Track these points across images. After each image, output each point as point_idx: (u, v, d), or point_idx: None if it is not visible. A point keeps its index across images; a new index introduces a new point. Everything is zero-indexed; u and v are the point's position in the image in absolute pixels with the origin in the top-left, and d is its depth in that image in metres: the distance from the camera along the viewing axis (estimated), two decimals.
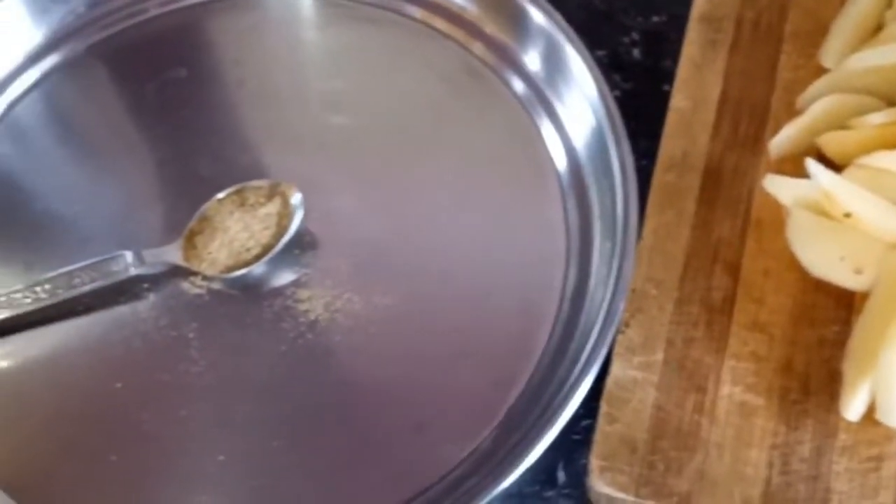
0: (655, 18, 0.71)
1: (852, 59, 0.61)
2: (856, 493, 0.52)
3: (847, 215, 0.56)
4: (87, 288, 0.60)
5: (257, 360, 0.59)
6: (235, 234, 0.62)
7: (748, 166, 0.62)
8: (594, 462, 0.54)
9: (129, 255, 0.61)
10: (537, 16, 0.66)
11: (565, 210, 0.63)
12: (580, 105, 0.64)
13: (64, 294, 0.60)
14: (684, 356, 0.56)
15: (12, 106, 0.69)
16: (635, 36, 0.70)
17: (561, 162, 0.64)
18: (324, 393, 0.58)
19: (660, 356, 0.56)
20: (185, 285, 0.62)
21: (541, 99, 0.66)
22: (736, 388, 0.55)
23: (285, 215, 0.62)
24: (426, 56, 0.69)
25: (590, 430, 0.56)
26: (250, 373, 0.59)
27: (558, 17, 0.65)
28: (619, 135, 0.61)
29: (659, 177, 0.62)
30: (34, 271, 0.61)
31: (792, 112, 0.62)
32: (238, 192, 0.63)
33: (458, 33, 0.69)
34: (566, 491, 0.57)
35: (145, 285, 0.61)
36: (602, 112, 0.62)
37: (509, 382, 0.58)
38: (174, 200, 0.65)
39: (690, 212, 0.60)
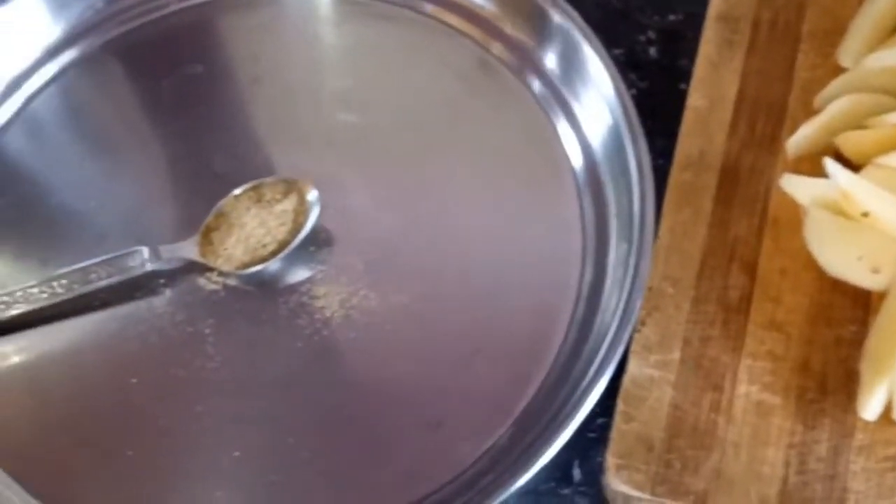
0: (672, 17, 0.71)
1: (870, 59, 0.61)
2: (873, 492, 0.52)
3: (865, 215, 0.56)
4: (103, 283, 0.60)
5: (273, 356, 0.59)
6: (252, 230, 0.62)
7: (765, 165, 0.61)
8: (610, 460, 0.54)
9: (145, 251, 0.61)
10: (556, 15, 0.66)
11: (581, 208, 0.63)
12: (597, 104, 0.64)
13: (80, 289, 0.60)
14: (701, 355, 0.56)
15: (30, 101, 0.69)
16: (651, 35, 0.70)
17: (577, 160, 0.64)
18: (339, 390, 0.59)
19: (676, 355, 0.56)
20: (201, 281, 0.62)
21: (557, 97, 0.66)
22: (753, 387, 0.55)
23: (301, 212, 0.62)
24: (442, 54, 0.69)
25: (605, 428, 0.56)
26: (266, 369, 0.59)
27: (577, 16, 0.65)
28: (635, 133, 0.61)
29: (676, 175, 0.61)
30: (50, 266, 0.61)
31: (809, 111, 0.62)
32: (254, 188, 0.63)
33: (474, 31, 0.69)
34: (582, 489, 0.57)
35: (161, 281, 0.62)
36: (619, 111, 0.62)
37: (525, 380, 0.58)
38: (190, 196, 0.65)
39: (707, 210, 0.60)
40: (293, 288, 0.61)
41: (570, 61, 0.66)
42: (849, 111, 0.60)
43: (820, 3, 0.66)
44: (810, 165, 0.59)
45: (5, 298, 0.60)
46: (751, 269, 0.58)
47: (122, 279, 0.61)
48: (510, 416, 0.57)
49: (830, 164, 0.56)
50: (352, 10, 0.71)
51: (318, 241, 0.62)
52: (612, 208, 0.62)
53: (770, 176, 0.61)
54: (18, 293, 0.60)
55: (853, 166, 0.58)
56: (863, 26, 0.64)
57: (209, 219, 0.62)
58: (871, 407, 0.53)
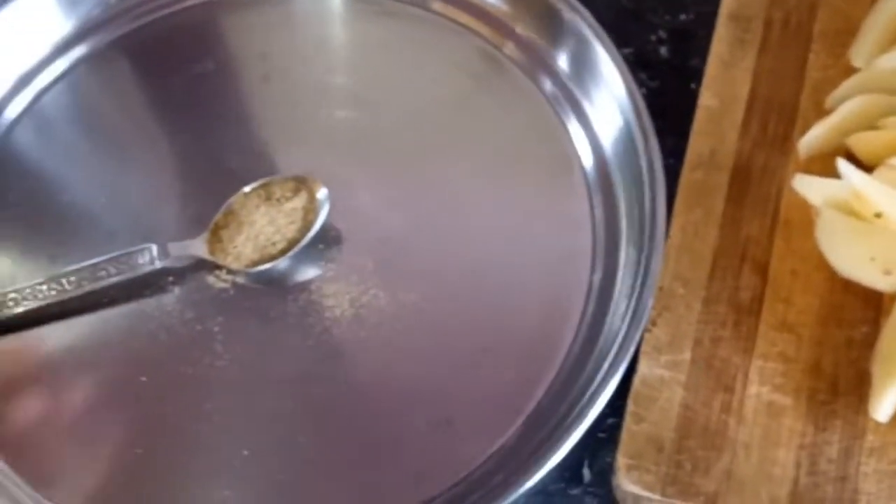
0: (683, 16, 0.71)
1: (882, 59, 0.61)
2: (884, 494, 0.52)
3: (878, 215, 0.55)
4: (112, 280, 0.60)
5: (282, 354, 0.59)
6: (261, 228, 0.62)
7: (777, 165, 0.61)
8: (621, 460, 0.54)
9: (154, 249, 0.61)
10: (567, 14, 0.66)
11: (591, 207, 0.63)
12: (608, 103, 0.64)
13: (89, 286, 0.60)
14: (712, 355, 0.56)
15: (40, 96, 0.69)
16: (662, 34, 0.70)
17: (587, 159, 0.64)
18: (348, 388, 0.58)
19: (687, 355, 0.56)
20: (210, 279, 0.62)
21: (568, 96, 0.66)
22: (764, 388, 0.55)
23: (311, 210, 0.62)
24: (453, 52, 0.69)
25: (615, 429, 0.56)
26: (275, 367, 0.59)
27: (588, 15, 0.65)
28: (646, 133, 0.61)
29: (687, 175, 0.61)
30: (59, 263, 0.61)
31: (821, 112, 0.62)
32: (264, 186, 0.63)
33: (485, 30, 0.69)
34: (591, 489, 0.57)
35: (170, 278, 0.61)
36: (630, 110, 0.62)
37: (535, 380, 0.58)
38: (199, 194, 0.65)
39: (718, 210, 0.60)
40: (302, 286, 0.61)
41: (582, 60, 0.65)
42: (861, 112, 0.60)
43: (831, 4, 0.66)
44: (822, 166, 0.59)
45: (14, 295, 0.60)
46: (762, 270, 0.58)
47: (131, 276, 0.60)
48: (520, 416, 0.57)
49: (843, 165, 0.56)
50: (362, 9, 0.71)
51: (328, 240, 0.62)
52: (623, 208, 0.62)
53: (782, 176, 0.61)
54: (27, 290, 0.60)
55: (865, 167, 0.57)
56: (875, 27, 0.64)
57: (218, 216, 0.62)
58: (882, 408, 0.53)
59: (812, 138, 0.60)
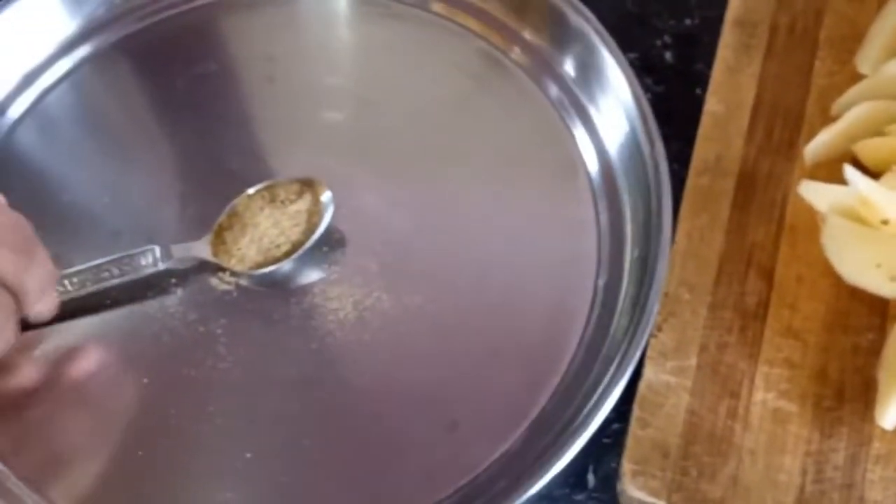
0: (688, 21, 0.71)
1: (889, 66, 0.61)
2: (890, 501, 0.52)
3: (884, 222, 0.55)
4: (114, 282, 0.60)
5: (286, 357, 0.59)
6: (265, 230, 0.61)
7: (782, 171, 0.61)
8: (626, 466, 0.53)
9: (157, 250, 0.60)
10: (573, 18, 0.65)
11: (597, 212, 0.62)
12: (614, 108, 0.64)
13: (91, 287, 0.60)
14: (718, 361, 0.56)
15: (43, 96, 0.68)
16: (667, 39, 0.70)
17: (593, 164, 0.64)
18: (352, 391, 0.58)
19: (693, 361, 0.56)
20: (214, 281, 0.61)
21: (573, 101, 0.66)
22: (769, 394, 0.55)
23: (315, 212, 0.62)
24: (457, 56, 0.69)
25: (620, 434, 0.56)
26: (279, 370, 0.59)
27: (594, 19, 0.65)
28: (652, 138, 0.60)
29: (693, 180, 0.61)
30: (61, 264, 0.60)
31: (827, 118, 0.62)
32: (268, 188, 0.63)
33: (490, 33, 0.69)
34: (596, 495, 0.56)
35: (173, 280, 0.61)
36: (636, 115, 0.62)
37: (540, 384, 0.57)
38: (202, 195, 0.64)
39: (724, 216, 0.60)
40: (306, 289, 0.61)
41: (588, 65, 0.65)
42: (867, 118, 0.60)
43: (837, 9, 0.66)
44: (827, 172, 0.59)
45: None
46: (768, 276, 0.58)
47: (134, 278, 0.60)
48: (525, 420, 0.56)
49: (850, 171, 0.56)
50: (367, 11, 0.71)
51: (332, 242, 0.62)
52: (628, 213, 0.62)
53: (787, 182, 0.61)
54: None
55: (871, 173, 0.57)
56: (881, 33, 0.64)
57: (222, 218, 0.62)
58: (888, 415, 0.53)
59: (818, 144, 0.60)
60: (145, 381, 0.58)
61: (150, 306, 0.61)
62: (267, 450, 0.57)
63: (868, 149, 0.59)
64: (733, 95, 0.64)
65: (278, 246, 0.61)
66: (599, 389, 0.55)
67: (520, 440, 0.56)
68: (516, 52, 0.68)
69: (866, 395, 0.54)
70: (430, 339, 0.59)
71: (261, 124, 0.67)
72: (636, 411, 0.55)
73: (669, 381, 0.55)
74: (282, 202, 0.62)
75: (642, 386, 0.55)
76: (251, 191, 0.62)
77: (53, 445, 0.57)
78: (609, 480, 0.56)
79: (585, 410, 0.54)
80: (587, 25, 0.65)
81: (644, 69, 0.68)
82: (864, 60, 0.63)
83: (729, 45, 0.65)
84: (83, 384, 0.59)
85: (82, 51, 0.70)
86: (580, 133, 0.65)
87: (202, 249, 0.61)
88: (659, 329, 0.57)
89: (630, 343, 0.55)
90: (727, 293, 0.58)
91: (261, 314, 0.60)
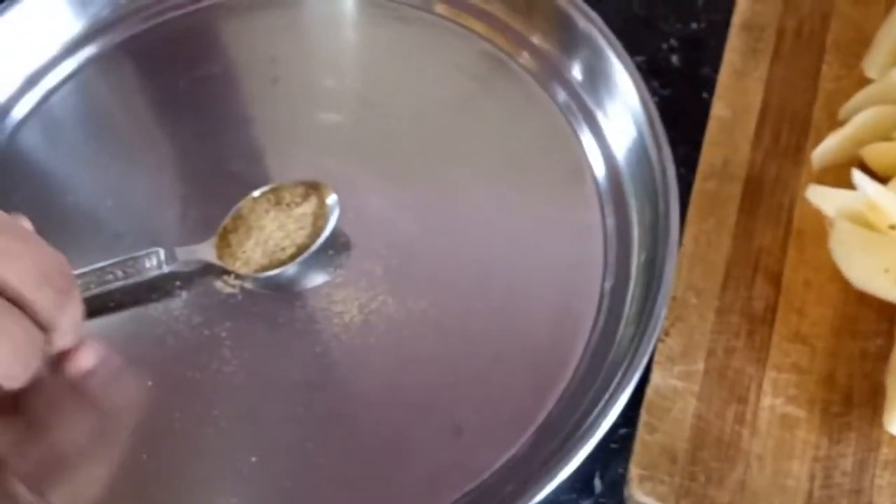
0: (694, 25, 0.70)
1: None
2: None
3: (892, 227, 0.55)
4: (118, 284, 0.59)
5: (291, 360, 0.59)
6: (270, 233, 0.61)
7: (790, 176, 0.61)
8: (634, 471, 0.53)
9: (161, 253, 0.60)
10: (581, 22, 0.65)
11: (603, 216, 0.62)
12: (621, 112, 0.63)
13: (95, 290, 0.59)
14: (725, 366, 0.56)
15: (48, 96, 0.68)
16: (674, 42, 0.70)
17: (599, 168, 0.64)
18: (357, 395, 0.58)
19: (700, 365, 0.56)
20: (218, 284, 0.61)
21: (580, 105, 0.66)
22: (777, 399, 0.55)
23: (321, 215, 0.61)
24: (463, 59, 0.68)
25: (627, 439, 0.55)
26: (283, 373, 0.58)
27: (601, 23, 0.64)
28: (660, 142, 0.60)
29: (699, 184, 0.61)
30: None
31: (834, 122, 0.62)
32: (273, 190, 0.62)
33: (496, 36, 0.69)
34: (603, 500, 0.56)
35: (177, 283, 0.61)
36: (643, 119, 0.61)
37: (546, 388, 0.57)
38: (206, 197, 0.64)
39: (731, 220, 0.60)
40: (311, 292, 0.61)
41: (595, 70, 0.65)
42: (874, 123, 0.60)
43: (844, 14, 0.66)
44: (835, 177, 0.59)
45: None
46: (775, 281, 0.58)
47: (138, 280, 0.60)
48: (531, 425, 0.56)
49: (858, 176, 0.56)
50: (372, 13, 0.71)
51: (337, 246, 0.62)
52: (635, 217, 0.61)
53: (795, 187, 0.61)
54: None
55: (879, 178, 0.57)
56: (888, 37, 0.63)
57: (227, 221, 0.62)
58: None
59: (826, 149, 0.60)
60: (149, 384, 0.58)
61: (155, 309, 0.60)
62: (271, 453, 0.56)
63: (876, 153, 0.59)
64: (740, 99, 0.64)
65: (283, 249, 0.61)
66: (606, 394, 0.54)
67: (526, 445, 0.56)
68: (524, 57, 0.68)
69: (874, 401, 0.54)
70: (435, 343, 0.59)
71: (265, 126, 0.67)
72: (644, 416, 0.55)
73: (677, 385, 0.55)
74: (287, 205, 0.62)
75: (650, 391, 0.55)
76: (256, 193, 0.62)
77: (56, 449, 0.57)
78: (616, 486, 0.56)
79: (592, 415, 0.54)
80: (595, 30, 0.64)
81: (650, 73, 0.68)
82: (872, 65, 0.63)
83: (736, 49, 0.65)
84: (87, 387, 0.58)
85: (87, 52, 0.69)
86: (587, 137, 0.65)
87: (207, 252, 0.61)
88: (666, 333, 0.57)
89: (637, 348, 0.55)
90: (734, 298, 0.58)
91: (266, 317, 0.60)
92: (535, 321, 0.59)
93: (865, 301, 0.56)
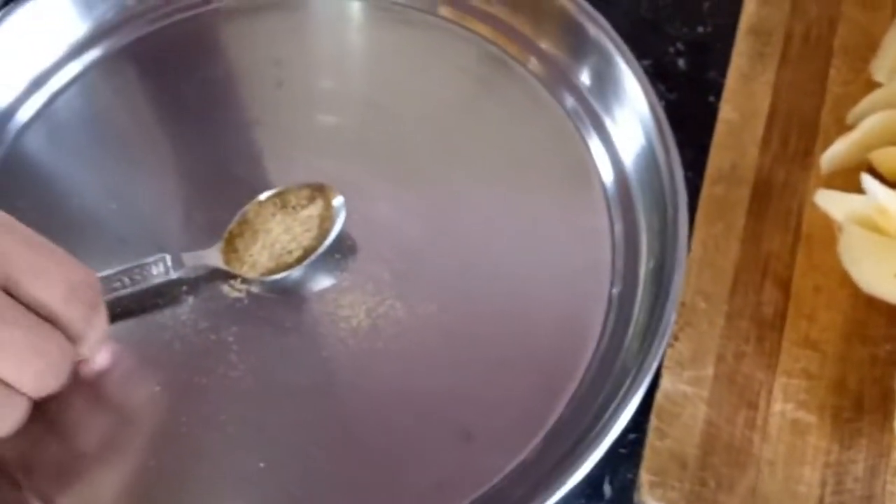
0: (700, 29, 0.70)
1: None
2: None
3: None
4: (125, 292, 0.59)
5: (298, 365, 0.58)
6: (277, 236, 0.61)
7: (798, 180, 0.61)
8: (644, 477, 0.53)
9: (168, 259, 0.60)
10: (589, 26, 0.65)
11: (611, 221, 0.62)
12: (629, 117, 0.63)
13: (103, 298, 0.59)
14: (735, 371, 0.56)
15: (53, 99, 0.67)
16: (680, 46, 0.70)
17: (607, 173, 0.64)
18: (365, 400, 0.58)
19: (710, 371, 0.56)
20: (225, 288, 0.61)
21: (588, 109, 0.65)
22: (788, 405, 0.55)
23: (327, 218, 0.61)
24: (469, 63, 0.68)
25: (637, 444, 0.55)
26: (290, 378, 0.58)
27: (609, 27, 0.64)
28: (668, 147, 0.60)
29: (707, 189, 0.61)
30: None
31: (842, 127, 0.61)
32: (279, 193, 0.62)
33: (503, 40, 0.68)
34: None
35: (184, 288, 0.60)
36: (651, 124, 0.61)
37: (555, 393, 0.57)
38: (211, 201, 0.63)
39: (740, 225, 0.60)
40: (318, 296, 0.60)
41: (603, 75, 0.65)
42: (883, 127, 0.60)
43: (852, 18, 0.66)
44: (843, 181, 0.59)
45: None
46: (784, 286, 0.58)
47: (145, 287, 0.59)
48: (541, 430, 0.56)
49: (868, 180, 0.55)
50: (377, 16, 0.70)
51: (343, 249, 0.62)
52: (643, 222, 0.61)
53: (803, 191, 0.61)
54: None
55: (888, 182, 0.57)
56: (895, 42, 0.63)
57: (233, 225, 0.61)
58: None
59: (834, 154, 0.60)
60: (157, 388, 0.58)
61: (162, 314, 0.60)
62: (279, 458, 0.56)
63: (885, 158, 0.59)
64: (748, 103, 0.63)
65: (290, 252, 0.61)
66: (616, 399, 0.54)
67: (535, 451, 0.55)
68: (532, 62, 0.67)
69: (885, 406, 0.54)
70: (443, 346, 0.59)
71: (269, 129, 0.67)
72: (653, 421, 0.54)
73: (686, 391, 0.55)
74: (293, 208, 0.62)
75: (659, 396, 0.55)
76: (262, 197, 0.62)
77: (63, 454, 0.56)
78: (625, 491, 0.55)
79: (602, 420, 0.54)
80: (604, 35, 0.64)
81: (657, 76, 0.67)
82: (879, 69, 0.63)
83: (743, 53, 0.65)
84: (94, 392, 0.58)
85: (92, 54, 0.69)
86: (594, 142, 0.65)
87: (214, 257, 0.60)
88: (675, 338, 0.56)
89: (647, 353, 0.55)
90: (743, 303, 0.58)
91: (272, 322, 0.60)
92: (544, 326, 0.59)
93: (875, 306, 0.56)
